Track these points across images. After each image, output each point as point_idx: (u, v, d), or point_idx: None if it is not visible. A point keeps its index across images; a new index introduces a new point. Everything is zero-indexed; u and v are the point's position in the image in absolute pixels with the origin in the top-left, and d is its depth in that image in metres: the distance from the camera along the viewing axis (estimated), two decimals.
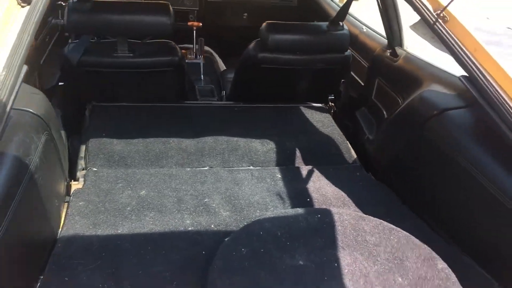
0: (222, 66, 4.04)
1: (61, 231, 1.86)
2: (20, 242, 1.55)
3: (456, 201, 2.00)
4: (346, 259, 1.73)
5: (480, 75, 1.84)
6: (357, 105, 2.98)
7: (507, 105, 1.76)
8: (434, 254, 1.78)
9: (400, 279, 1.65)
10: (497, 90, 1.79)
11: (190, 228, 1.91)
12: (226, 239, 1.79)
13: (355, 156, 2.64)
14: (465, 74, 1.93)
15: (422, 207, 2.17)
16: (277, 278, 1.62)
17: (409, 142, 2.27)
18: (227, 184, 2.24)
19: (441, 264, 1.73)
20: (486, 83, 1.82)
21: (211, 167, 2.39)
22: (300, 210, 1.98)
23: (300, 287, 1.60)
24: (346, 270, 1.68)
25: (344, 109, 3.09)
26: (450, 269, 1.71)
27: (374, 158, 2.58)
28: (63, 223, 1.91)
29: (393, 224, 1.97)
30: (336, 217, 1.94)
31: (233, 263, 1.67)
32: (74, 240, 1.81)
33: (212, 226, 1.94)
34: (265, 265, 1.67)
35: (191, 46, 3.75)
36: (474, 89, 1.88)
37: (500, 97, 1.78)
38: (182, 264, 1.73)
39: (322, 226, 1.89)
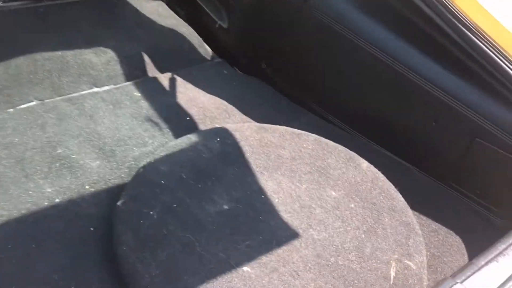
0: None
1: None
2: None
3: (347, 80, 1.83)
4: (271, 186, 1.45)
5: None
6: None
7: None
8: (351, 153, 1.62)
9: (333, 193, 1.46)
10: None
11: (56, 199, 1.36)
12: (118, 203, 1.32)
13: (210, 51, 2.24)
14: None
15: (311, 97, 1.96)
16: (207, 236, 1.27)
17: (281, 25, 1.97)
18: (76, 121, 1.66)
19: (364, 163, 1.59)
20: None
21: (42, 100, 1.74)
22: (192, 137, 1.57)
23: (238, 237, 1.28)
24: (276, 200, 1.41)
25: None
26: (373, 166, 1.58)
27: (236, 50, 2.22)
28: None
29: (289, 125, 1.74)
30: (237, 136, 1.61)
31: (146, 235, 1.24)
32: None
33: (86, 186, 1.41)
34: (187, 225, 1.28)
35: None
36: None
37: None
38: (70, 254, 1.22)
39: (227, 151, 1.54)
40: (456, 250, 1.42)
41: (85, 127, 1.63)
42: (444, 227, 1.48)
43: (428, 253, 1.39)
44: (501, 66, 1.32)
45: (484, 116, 1.42)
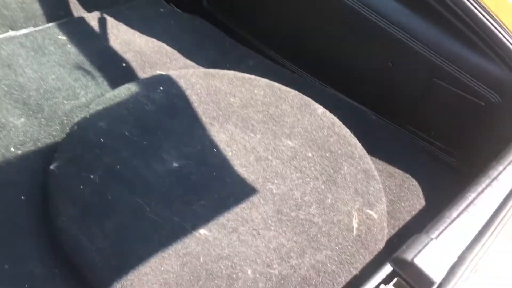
0: None
1: None
2: None
3: (299, 17, 1.70)
4: (223, 138, 1.33)
5: None
6: None
7: None
8: (305, 98, 1.52)
9: (289, 142, 1.38)
10: None
11: None
12: (52, 166, 1.15)
13: None
14: None
15: (259, 38, 1.82)
16: (157, 199, 1.15)
17: None
18: None
19: (319, 109, 1.50)
20: None
21: None
22: (131, 87, 1.41)
23: (191, 197, 1.17)
24: (230, 154, 1.30)
25: None
26: (328, 112, 1.50)
27: None
28: None
29: (237, 69, 1.61)
30: (181, 83, 1.46)
31: (88, 202, 1.10)
32: None
33: (12, 149, 1.23)
34: (134, 188, 1.15)
35: None
36: None
37: None
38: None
39: (172, 101, 1.39)
40: (413, 194, 1.40)
41: (3, 79, 1.41)
42: (400, 171, 1.45)
43: (386, 199, 1.36)
44: (464, 3, 1.24)
45: (443, 56, 1.36)
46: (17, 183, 1.15)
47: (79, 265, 1.02)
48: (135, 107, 1.34)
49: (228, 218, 1.16)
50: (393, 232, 1.29)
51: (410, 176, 1.44)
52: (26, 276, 0.99)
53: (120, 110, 1.32)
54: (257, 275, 1.06)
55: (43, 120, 1.32)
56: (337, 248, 1.16)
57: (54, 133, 1.29)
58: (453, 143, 1.48)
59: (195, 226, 1.12)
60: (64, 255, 1.04)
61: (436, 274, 0.82)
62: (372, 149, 1.45)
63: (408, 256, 0.84)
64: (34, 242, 1.06)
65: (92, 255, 1.02)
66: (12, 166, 1.18)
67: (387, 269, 0.84)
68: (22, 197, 1.13)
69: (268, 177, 1.28)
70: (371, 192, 1.31)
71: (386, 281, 0.84)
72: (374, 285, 0.82)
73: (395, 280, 0.83)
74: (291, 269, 1.09)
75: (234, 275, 1.05)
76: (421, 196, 1.40)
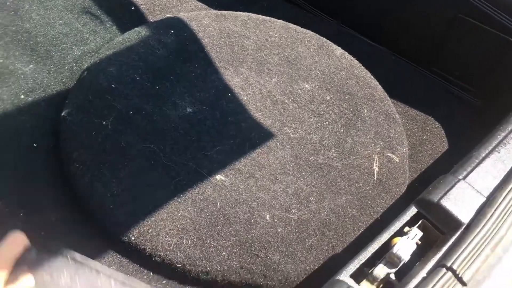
0: None
1: None
2: None
3: None
4: (238, 83, 1.28)
5: None
6: None
7: None
8: (322, 39, 1.45)
9: (306, 85, 1.32)
10: None
11: None
12: (63, 113, 1.12)
13: None
14: None
15: None
16: (172, 145, 1.12)
17: None
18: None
19: (337, 50, 1.43)
20: None
21: None
22: (141, 31, 1.35)
23: (206, 143, 1.14)
24: (245, 98, 1.26)
25: None
26: (347, 53, 1.43)
27: None
28: None
29: (250, 10, 1.53)
30: (193, 26, 1.39)
31: (102, 149, 1.08)
32: None
33: (22, 96, 1.20)
34: (148, 134, 1.12)
35: None
36: None
37: None
38: (13, 176, 1.05)
39: (184, 45, 1.34)
40: (436, 136, 1.35)
41: (9, 25, 1.36)
42: (422, 114, 1.39)
43: (408, 142, 1.31)
44: None
45: None
46: (29, 131, 1.13)
47: (94, 212, 1.01)
48: (146, 52, 1.29)
49: (245, 163, 1.13)
50: (414, 176, 1.26)
51: (432, 118, 1.38)
52: (41, 223, 0.98)
53: (130, 55, 1.27)
54: (276, 220, 1.04)
55: (52, 66, 1.28)
56: (357, 192, 1.13)
57: (64, 80, 1.25)
58: (478, 84, 1.41)
59: (211, 172, 1.10)
60: (79, 202, 1.03)
61: (463, 215, 0.78)
62: (393, 91, 1.39)
63: (434, 197, 0.81)
64: (48, 189, 1.04)
65: (107, 201, 1.00)
66: (23, 114, 1.15)
67: (412, 211, 0.81)
68: (35, 145, 1.11)
69: (285, 121, 1.24)
70: (392, 135, 1.26)
71: (410, 223, 0.81)
72: (398, 228, 0.79)
73: (420, 222, 0.80)
74: (310, 214, 1.07)
75: (252, 220, 1.03)
76: (444, 139, 1.35)
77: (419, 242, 0.78)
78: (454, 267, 0.66)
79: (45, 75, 1.25)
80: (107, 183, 1.03)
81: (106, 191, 1.02)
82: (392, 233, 0.78)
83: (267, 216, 1.05)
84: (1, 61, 1.25)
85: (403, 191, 1.17)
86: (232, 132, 1.18)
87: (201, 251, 0.98)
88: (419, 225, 0.80)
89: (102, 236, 1.00)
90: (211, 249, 0.98)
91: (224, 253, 0.98)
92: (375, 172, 1.18)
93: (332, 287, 0.70)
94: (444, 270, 0.67)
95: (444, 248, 0.72)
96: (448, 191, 0.81)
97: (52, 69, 1.27)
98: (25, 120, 1.14)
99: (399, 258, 0.72)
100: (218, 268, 0.97)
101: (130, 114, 1.14)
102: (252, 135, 1.19)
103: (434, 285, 0.64)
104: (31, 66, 1.26)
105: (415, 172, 1.26)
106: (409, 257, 0.74)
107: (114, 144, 1.09)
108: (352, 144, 1.22)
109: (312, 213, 1.07)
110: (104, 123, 1.11)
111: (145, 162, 1.08)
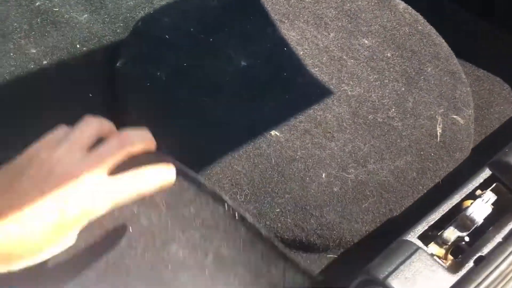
0: None
1: None
2: None
3: None
4: (294, 37, 1.23)
5: None
6: None
7: None
8: None
9: (366, 41, 1.25)
10: None
11: (43, 61, 1.14)
12: (118, 64, 1.11)
13: None
14: None
15: None
16: (226, 99, 1.09)
17: None
18: None
19: (400, 4, 1.35)
20: None
21: None
22: None
23: (260, 98, 1.11)
24: (301, 53, 1.20)
25: None
26: (411, 8, 1.34)
27: None
28: None
29: None
30: None
31: (156, 100, 1.06)
32: None
33: (78, 45, 1.19)
34: (201, 86, 1.09)
35: None
36: None
37: None
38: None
39: None
40: (505, 99, 1.26)
41: None
42: (491, 74, 1.30)
43: (474, 104, 1.23)
44: None
45: None
46: (84, 81, 1.12)
47: None
48: (200, 2, 1.25)
49: (300, 120, 1.09)
50: (479, 140, 1.18)
51: (501, 80, 1.29)
52: None
53: (184, 6, 1.24)
54: (332, 179, 1.01)
55: (106, 16, 1.26)
56: (418, 154, 1.07)
57: (118, 30, 1.23)
58: None
59: (265, 127, 1.06)
60: None
61: None
62: (460, 50, 1.30)
63: (511, 159, 0.74)
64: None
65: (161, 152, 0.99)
66: (79, 63, 1.15)
67: (486, 173, 0.75)
68: (90, 94, 1.10)
69: (342, 78, 1.18)
70: (457, 96, 1.18)
71: (483, 186, 0.75)
72: (471, 190, 0.74)
73: (494, 185, 0.75)
74: (368, 174, 1.03)
75: (307, 178, 1.00)
76: None
77: (493, 207, 0.73)
78: None
79: (99, 25, 1.24)
80: (160, 135, 1.02)
81: (160, 143, 1.01)
82: (464, 195, 0.73)
83: (323, 175, 1.01)
84: (56, 9, 1.24)
85: (467, 155, 1.10)
86: (287, 88, 1.14)
87: (254, 206, 0.96)
88: (493, 188, 0.74)
89: None
90: (265, 205, 0.96)
91: (278, 209, 0.96)
92: (438, 134, 1.11)
93: (400, 248, 0.66)
94: None
95: None
96: None
97: (106, 19, 1.25)
98: (81, 69, 1.14)
99: (472, 221, 0.67)
100: (271, 225, 0.95)
101: (184, 66, 1.12)
102: (308, 91, 1.14)
103: None
104: (85, 15, 1.25)
105: (480, 136, 1.19)
106: (482, 221, 0.69)
107: (168, 96, 1.07)
108: (414, 104, 1.15)
109: (370, 173, 1.03)
110: (158, 74, 1.09)
111: (199, 115, 1.06)
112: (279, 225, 0.95)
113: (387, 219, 0.98)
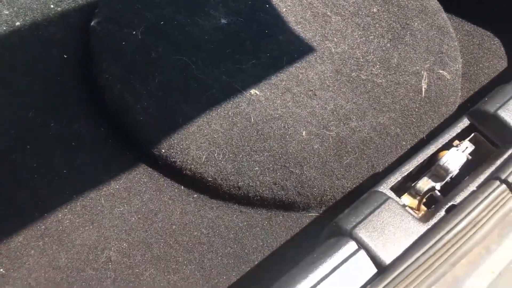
0: None
1: None
2: None
3: None
4: None
5: None
6: None
7: None
8: None
9: (374, 9, 1.21)
10: None
11: (16, 23, 1.10)
12: (92, 23, 1.07)
13: None
14: None
15: None
16: (205, 57, 1.06)
17: None
18: None
19: None
20: None
21: None
22: None
23: (241, 56, 1.07)
24: (284, 10, 1.16)
25: None
26: None
27: None
28: None
29: None
30: None
31: (131, 59, 1.03)
32: None
33: (51, 5, 1.15)
34: (179, 45, 1.06)
35: None
36: None
37: None
38: (43, 88, 1.02)
39: None
40: (494, 54, 1.22)
41: None
42: (480, 29, 1.25)
43: (462, 60, 1.20)
44: None
45: None
46: (59, 41, 1.09)
47: (125, 124, 0.98)
48: None
49: (282, 78, 1.06)
50: (467, 95, 1.15)
51: (491, 34, 1.25)
52: (72, 135, 0.96)
53: None
54: (312, 137, 0.98)
55: None
56: (402, 110, 1.04)
57: None
58: None
59: (245, 86, 1.04)
60: (110, 114, 1.00)
61: None
62: (448, 4, 1.26)
63: (491, 108, 0.72)
64: (79, 102, 1.01)
65: (137, 114, 0.97)
66: (53, 24, 1.11)
67: (464, 123, 0.73)
68: (65, 56, 1.07)
69: (326, 35, 1.14)
70: (444, 51, 1.15)
71: (460, 136, 0.73)
72: (447, 140, 0.71)
73: (472, 135, 0.72)
74: (350, 131, 1.00)
75: (287, 136, 0.98)
76: (503, 57, 1.22)
77: (470, 157, 0.70)
78: (510, 180, 0.59)
79: None
80: (137, 95, 0.99)
81: (136, 104, 0.99)
82: (440, 145, 0.70)
83: (303, 133, 0.99)
84: None
85: (454, 110, 1.08)
86: (268, 45, 1.10)
87: (233, 165, 0.94)
88: (471, 138, 0.72)
89: (133, 150, 0.98)
90: (243, 163, 0.94)
91: (257, 168, 0.94)
92: (423, 89, 1.08)
93: (370, 198, 0.64)
94: (497, 182, 0.60)
95: (499, 162, 0.65)
96: (507, 101, 0.72)
97: None
98: (55, 30, 1.10)
99: (446, 171, 0.65)
100: (250, 183, 0.93)
101: (161, 24, 1.08)
102: (290, 49, 1.11)
103: (485, 197, 0.57)
104: None
105: (468, 91, 1.16)
106: (458, 170, 0.67)
107: (144, 55, 1.04)
108: (399, 59, 1.12)
109: (352, 130, 1.00)
110: (134, 33, 1.06)
111: (176, 74, 1.03)
112: (258, 183, 0.93)
113: (370, 176, 0.97)
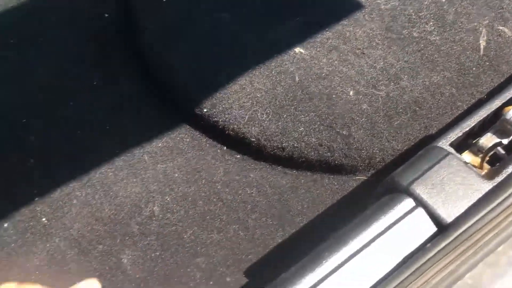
0: None
1: None
2: None
3: None
4: None
5: None
6: None
7: None
8: None
9: None
10: None
11: None
12: None
13: None
14: None
15: None
16: (247, 14, 1.02)
17: None
18: None
19: None
20: None
21: None
22: None
23: (285, 13, 1.03)
24: None
25: None
26: None
27: None
28: None
29: None
30: None
31: (175, 19, 1.00)
32: None
33: None
34: (223, 3, 1.02)
35: None
36: None
37: None
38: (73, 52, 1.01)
39: None
40: None
41: None
42: None
43: None
44: None
45: None
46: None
47: (167, 84, 0.96)
48: None
49: (328, 36, 1.01)
50: None
51: None
52: (114, 93, 0.95)
53: None
54: (360, 96, 0.93)
55: None
56: (458, 69, 0.97)
57: None
58: None
59: (289, 44, 0.99)
60: (151, 73, 0.98)
61: None
62: None
63: None
64: (121, 61, 1.00)
65: (179, 73, 0.95)
66: None
67: None
68: (106, 15, 1.05)
69: None
70: (505, 6, 1.06)
71: None
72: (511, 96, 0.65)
73: None
74: (400, 91, 0.94)
75: (334, 96, 0.93)
76: None
77: None
78: None
79: None
80: (178, 54, 0.97)
81: (178, 63, 0.96)
82: (505, 100, 0.64)
83: (351, 92, 0.94)
84: None
85: None
86: (313, 2, 1.05)
87: (277, 125, 0.90)
88: None
89: (175, 109, 0.95)
90: (287, 124, 0.90)
91: (302, 128, 0.90)
92: (482, 47, 1.00)
93: (429, 154, 0.60)
94: None
95: None
96: None
97: None
98: None
99: None
100: (294, 145, 0.89)
101: None
102: (337, 5, 1.05)
103: None
104: None
105: None
106: None
107: (186, 13, 1.01)
108: (455, 15, 1.04)
109: (403, 90, 0.95)
110: None
111: (218, 32, 0.99)
112: (303, 144, 0.89)
113: (422, 137, 0.91)
